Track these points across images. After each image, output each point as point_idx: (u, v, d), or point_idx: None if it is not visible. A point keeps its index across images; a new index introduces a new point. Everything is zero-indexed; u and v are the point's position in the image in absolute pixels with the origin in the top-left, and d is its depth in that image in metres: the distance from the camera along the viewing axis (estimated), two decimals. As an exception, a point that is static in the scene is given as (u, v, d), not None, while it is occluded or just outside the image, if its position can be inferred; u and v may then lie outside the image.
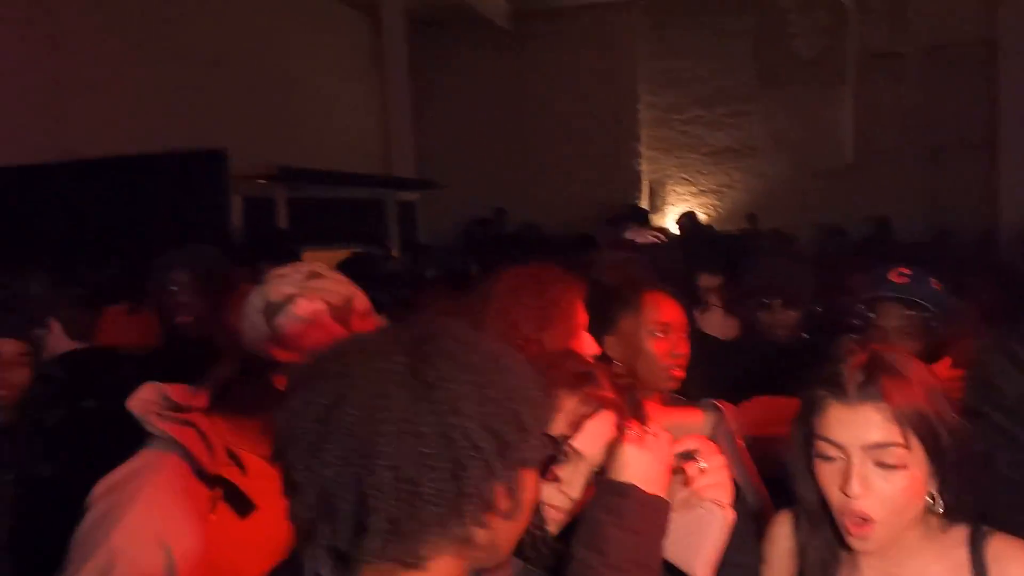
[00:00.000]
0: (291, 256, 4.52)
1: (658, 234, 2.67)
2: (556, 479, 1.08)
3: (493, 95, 10.16)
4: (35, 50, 5.33)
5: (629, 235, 2.63)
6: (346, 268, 4.65)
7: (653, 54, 10.15)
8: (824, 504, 1.17)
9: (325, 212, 6.58)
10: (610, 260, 2.00)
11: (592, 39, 10.06)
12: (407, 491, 0.70)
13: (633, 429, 1.06)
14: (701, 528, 1.08)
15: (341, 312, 1.22)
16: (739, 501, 1.50)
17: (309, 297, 1.21)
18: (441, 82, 9.99)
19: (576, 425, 1.10)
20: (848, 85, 9.70)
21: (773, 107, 9.82)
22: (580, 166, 9.98)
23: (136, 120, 5.78)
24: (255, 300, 1.23)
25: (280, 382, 1.17)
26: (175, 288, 2.39)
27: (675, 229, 8.86)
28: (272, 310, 1.21)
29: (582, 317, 1.53)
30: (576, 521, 1.12)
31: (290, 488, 0.76)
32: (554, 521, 1.11)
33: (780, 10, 9.80)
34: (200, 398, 1.25)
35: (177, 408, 1.23)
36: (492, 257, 4.97)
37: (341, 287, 1.25)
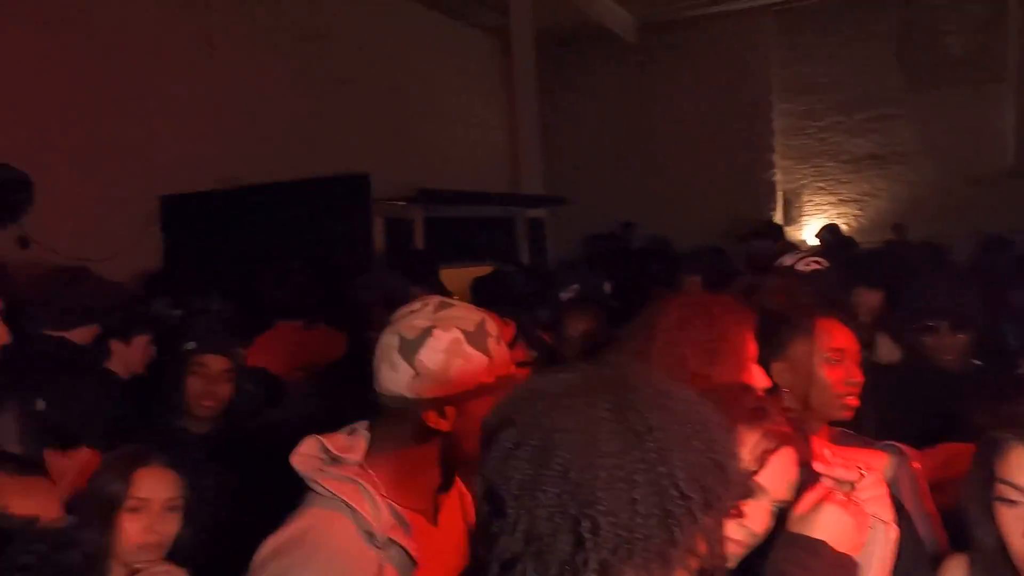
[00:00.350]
0: (431, 275, 4.69)
1: (820, 260, 2.53)
2: (740, 514, 1.08)
3: (620, 109, 10.13)
4: (199, 89, 5.84)
5: (788, 261, 2.52)
6: (482, 286, 4.77)
7: (787, 60, 9.79)
8: (1003, 549, 1.12)
9: (459, 230, 6.77)
10: (775, 285, 1.94)
11: (721, 48, 9.84)
12: (620, 536, 0.72)
13: (839, 492, 1.05)
14: (867, 544, 1.07)
15: (477, 338, 1.20)
16: (919, 543, 1.44)
17: (445, 327, 1.19)
18: (568, 98, 10.07)
19: (760, 461, 1.11)
20: (1008, 83, 8.95)
21: (921, 110, 9.21)
22: (711, 178, 9.75)
23: (288, 148, 6.20)
24: (388, 340, 1.21)
25: (431, 418, 1.18)
26: (369, 305, 2.56)
27: (813, 241, 8.48)
28: (410, 347, 1.18)
29: (752, 350, 1.50)
30: (752, 556, 1.12)
31: (496, 522, 0.79)
32: (733, 555, 1.11)
33: (928, 6, 9.19)
34: (357, 448, 1.23)
35: (336, 460, 1.21)
36: (622, 273, 4.91)
37: (472, 313, 1.24)
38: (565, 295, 4.23)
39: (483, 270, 5.72)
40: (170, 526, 1.64)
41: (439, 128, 8.39)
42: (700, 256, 4.72)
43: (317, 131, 6.57)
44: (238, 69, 6.12)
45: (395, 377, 1.19)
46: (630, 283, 4.63)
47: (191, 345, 2.20)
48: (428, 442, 1.20)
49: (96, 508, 1.58)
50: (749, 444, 1.11)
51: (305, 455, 1.21)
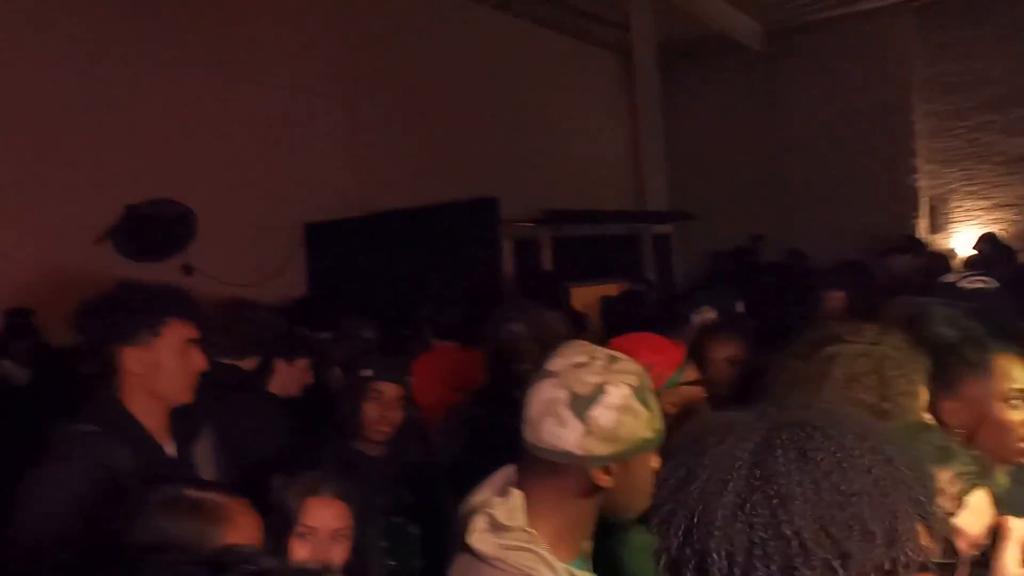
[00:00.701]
0: (563, 297, 4.72)
1: (986, 279, 2.34)
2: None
3: (747, 119, 9.84)
4: (339, 127, 6.21)
5: (950, 279, 2.35)
6: (612, 306, 4.73)
7: (929, 58, 9.18)
8: None
9: (585, 249, 6.79)
10: (943, 312, 1.80)
11: (855, 50, 9.35)
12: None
13: None
14: None
15: (642, 392, 1.18)
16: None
17: (616, 383, 1.17)
18: (692, 111, 9.88)
19: (956, 502, 1.06)
20: None
21: (1088, 104, 8.42)
22: (846, 187, 9.26)
23: (421, 175, 6.45)
24: (555, 394, 1.17)
25: (597, 476, 1.15)
26: (513, 337, 2.62)
27: (964, 252, 7.91)
28: (582, 403, 1.15)
29: (924, 396, 1.41)
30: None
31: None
32: None
33: (1093, -9, 8.41)
34: (517, 510, 1.17)
35: (503, 529, 1.16)
36: (752, 289, 4.73)
37: (635, 365, 1.22)
38: (696, 316, 4.13)
39: (610, 288, 5.71)
40: (336, 555, 1.68)
41: (563, 148, 8.46)
42: (842, 271, 4.49)
43: (447, 157, 6.81)
44: (373, 104, 6.46)
45: (562, 433, 1.15)
46: (764, 301, 4.45)
47: (369, 372, 2.30)
48: (589, 498, 1.19)
49: (272, 531, 1.68)
50: (941, 484, 1.06)
51: (480, 532, 1.17)
